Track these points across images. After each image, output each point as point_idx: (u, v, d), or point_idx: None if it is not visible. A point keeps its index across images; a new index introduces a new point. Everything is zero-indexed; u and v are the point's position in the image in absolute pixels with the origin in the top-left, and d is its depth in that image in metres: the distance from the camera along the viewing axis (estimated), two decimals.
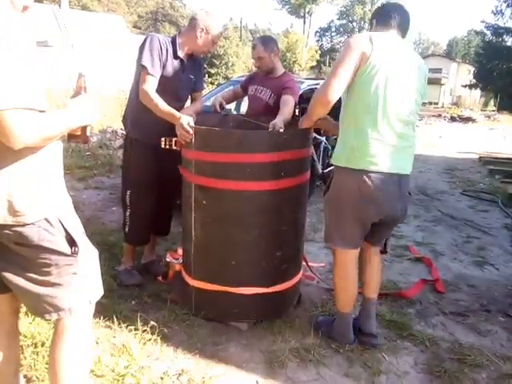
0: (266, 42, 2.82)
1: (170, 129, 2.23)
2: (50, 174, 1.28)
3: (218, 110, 2.80)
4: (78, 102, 1.33)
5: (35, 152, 1.21)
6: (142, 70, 2.30)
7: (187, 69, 2.52)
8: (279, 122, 2.29)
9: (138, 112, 2.44)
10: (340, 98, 1.96)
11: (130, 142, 2.57)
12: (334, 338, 2.20)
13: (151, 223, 2.70)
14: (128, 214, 2.62)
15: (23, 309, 1.80)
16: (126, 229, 2.65)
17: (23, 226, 1.21)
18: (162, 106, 2.27)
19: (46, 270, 1.30)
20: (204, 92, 3.41)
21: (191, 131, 2.09)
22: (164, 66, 2.37)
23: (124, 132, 2.68)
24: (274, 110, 2.78)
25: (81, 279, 1.37)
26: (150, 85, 2.30)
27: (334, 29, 56.60)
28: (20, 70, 1.10)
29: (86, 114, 1.32)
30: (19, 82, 1.10)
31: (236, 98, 3.23)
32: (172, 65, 2.42)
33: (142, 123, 2.45)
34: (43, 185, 1.25)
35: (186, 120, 2.12)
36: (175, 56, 2.43)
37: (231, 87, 4.90)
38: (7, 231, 1.21)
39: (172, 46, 2.42)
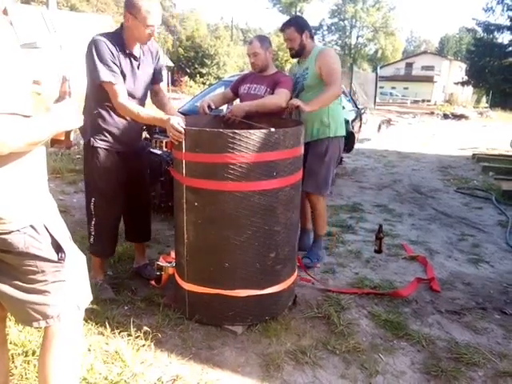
0: (262, 39, 2.90)
1: (134, 134, 2.36)
2: (33, 179, 1.25)
3: (207, 111, 2.77)
4: (62, 106, 1.30)
5: (17, 158, 1.18)
6: (105, 86, 2.17)
7: (142, 64, 2.36)
8: (238, 106, 2.62)
9: (99, 121, 2.32)
10: None
11: (93, 151, 2.37)
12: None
13: (117, 234, 2.59)
14: (93, 223, 2.47)
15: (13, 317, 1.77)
16: (91, 239, 2.50)
17: (9, 233, 1.19)
18: (145, 113, 2.19)
19: (32, 277, 1.27)
20: (195, 92, 3.41)
21: (183, 130, 2.06)
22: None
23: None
24: None
25: (68, 285, 1.35)
26: (123, 96, 2.18)
27: (325, 27, 56.70)
28: (2, 75, 1.08)
29: (70, 119, 1.30)
30: (2, 87, 1.07)
31: (225, 101, 3.15)
32: (125, 64, 2.26)
33: (106, 132, 2.34)
34: (27, 190, 1.22)
35: (175, 120, 2.08)
36: (125, 53, 2.26)
37: (222, 87, 4.88)
38: None
39: (120, 42, 2.24)
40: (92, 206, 2.45)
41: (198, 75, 26.33)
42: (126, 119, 2.34)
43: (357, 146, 7.91)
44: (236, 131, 2.00)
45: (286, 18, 51.51)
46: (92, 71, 2.16)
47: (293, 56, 3.04)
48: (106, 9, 36.79)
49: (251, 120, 2.59)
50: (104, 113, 2.27)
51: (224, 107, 4.95)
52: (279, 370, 1.97)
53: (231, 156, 2.00)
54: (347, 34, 55.62)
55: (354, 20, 53.78)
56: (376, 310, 2.52)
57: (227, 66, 27.24)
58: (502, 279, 3.05)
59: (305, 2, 47.20)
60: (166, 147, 3.70)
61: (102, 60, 2.13)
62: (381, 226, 3.46)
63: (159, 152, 3.73)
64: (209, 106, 2.78)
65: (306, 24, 2.97)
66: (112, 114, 2.31)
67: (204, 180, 2.07)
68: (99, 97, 2.25)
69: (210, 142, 2.02)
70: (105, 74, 2.13)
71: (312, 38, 2.98)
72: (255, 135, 2.01)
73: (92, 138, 2.35)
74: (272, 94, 2.80)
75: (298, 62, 3.08)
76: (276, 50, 34.01)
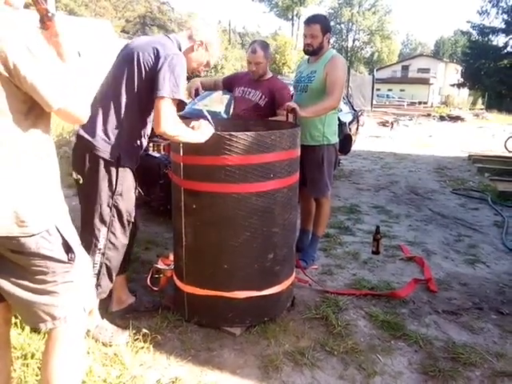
0: (265, 47, 2.88)
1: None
2: (49, 181, 1.28)
3: (193, 95, 2.81)
4: (61, 35, 1.28)
5: (39, 161, 1.22)
6: (169, 102, 1.89)
7: None
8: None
9: (132, 138, 2.06)
10: None
11: (118, 170, 2.00)
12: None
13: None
14: (102, 261, 2.07)
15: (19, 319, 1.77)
16: (96, 280, 2.05)
17: (30, 236, 1.20)
18: (185, 134, 1.98)
19: (42, 277, 1.28)
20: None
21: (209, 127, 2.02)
22: None
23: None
24: (263, 110, 2.89)
25: (76, 287, 1.36)
26: (175, 119, 1.95)
27: None
28: (58, 66, 1.19)
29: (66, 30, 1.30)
30: (63, 77, 1.20)
31: (214, 87, 3.28)
32: None
33: (135, 150, 2.10)
34: (45, 193, 1.25)
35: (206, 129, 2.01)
36: None
37: (220, 91, 4.89)
38: (6, 240, 1.20)
39: None
40: (106, 239, 2.05)
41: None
42: (145, 137, 2.15)
43: (362, 145, 8.01)
44: (233, 133, 2.02)
45: (283, 21, 51.86)
46: (169, 85, 1.88)
47: (307, 53, 2.99)
48: (104, 13, 36.79)
49: (248, 123, 2.61)
50: (144, 130, 2.09)
51: (221, 110, 4.98)
52: (278, 371, 1.98)
53: (228, 158, 2.01)
54: (344, 37, 55.91)
55: (350, 23, 54.08)
56: (374, 310, 2.53)
57: (225, 70, 27.30)
58: (499, 279, 3.07)
59: (302, 5, 47.37)
60: (163, 150, 3.72)
61: (184, 79, 1.96)
62: (378, 228, 3.48)
63: (157, 155, 3.75)
64: (196, 91, 2.83)
65: (330, 27, 3.02)
66: (146, 131, 2.12)
67: (202, 182, 2.09)
68: (145, 114, 2.06)
69: (207, 145, 2.03)
70: (183, 93, 1.96)
71: (329, 41, 2.97)
72: (252, 137, 2.02)
73: (122, 158, 1.99)
74: (268, 100, 2.90)
75: (308, 61, 3.08)
76: (273, 53, 34.20)
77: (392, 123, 15.59)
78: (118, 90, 1.99)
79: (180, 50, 2.06)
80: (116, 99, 1.99)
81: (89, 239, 1.99)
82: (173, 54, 1.93)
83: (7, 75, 1.11)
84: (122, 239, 2.10)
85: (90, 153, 1.97)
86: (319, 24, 2.85)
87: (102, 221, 2.02)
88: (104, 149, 1.96)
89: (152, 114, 2.01)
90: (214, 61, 2.24)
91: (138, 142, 2.11)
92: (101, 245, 2.04)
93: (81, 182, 2.03)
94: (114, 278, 2.15)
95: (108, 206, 2.01)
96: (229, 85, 3.14)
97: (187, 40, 2.12)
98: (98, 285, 2.06)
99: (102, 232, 2.03)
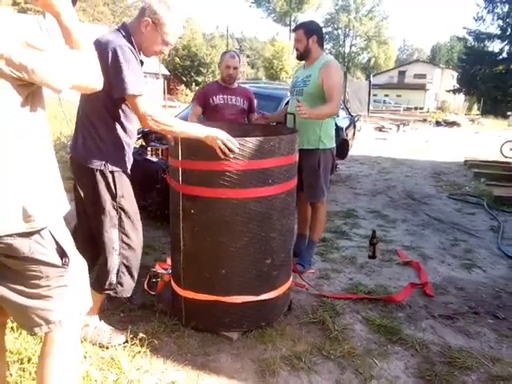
0: (239, 55, 3.33)
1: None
2: (52, 175, 1.30)
3: None
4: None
5: (42, 156, 1.25)
6: (135, 99, 1.86)
7: None
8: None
9: (118, 141, 2.01)
10: None
11: (108, 176, 1.99)
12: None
13: None
14: (120, 261, 2.08)
15: (8, 324, 1.77)
16: (114, 279, 2.08)
17: (36, 232, 1.22)
18: (180, 125, 1.97)
19: (36, 282, 1.28)
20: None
21: (236, 145, 2.00)
22: None
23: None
24: (246, 114, 3.43)
25: (71, 291, 1.36)
26: (153, 106, 1.91)
27: None
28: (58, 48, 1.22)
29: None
30: (67, 57, 1.24)
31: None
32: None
33: (123, 153, 2.05)
34: (48, 187, 1.27)
35: (224, 136, 1.98)
36: (139, 62, 1.99)
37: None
38: (1, 245, 1.20)
39: (134, 50, 1.95)
40: (119, 240, 2.06)
41: (193, 83, 26.54)
42: (130, 136, 2.08)
43: (359, 149, 7.98)
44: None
45: (280, 27, 52.14)
46: (118, 82, 1.83)
47: (297, 58, 3.16)
48: (102, 18, 36.88)
49: (246, 128, 2.63)
50: (121, 133, 2.01)
51: None
52: (275, 375, 1.98)
53: (227, 163, 2.02)
54: (341, 42, 56.18)
55: (347, 29, 54.35)
56: (370, 315, 2.54)
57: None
58: (495, 284, 3.08)
59: (299, 11, 47.67)
60: (161, 155, 3.74)
61: (133, 70, 1.85)
62: (374, 232, 3.49)
63: (155, 160, 3.76)
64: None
65: (317, 30, 3.06)
66: (126, 131, 2.05)
67: (200, 187, 2.09)
68: (114, 114, 1.98)
69: (206, 150, 2.04)
70: (139, 86, 1.85)
71: (321, 45, 3.04)
72: (251, 143, 2.04)
73: (111, 163, 1.98)
74: (247, 104, 3.37)
75: (304, 66, 3.17)
76: (271, 59, 34.34)
77: (398, 126, 17.75)
78: (82, 101, 2.03)
79: (130, 36, 1.96)
80: (89, 112, 1.99)
81: (105, 243, 2.05)
82: (110, 50, 1.83)
83: (10, 73, 1.12)
84: (134, 238, 2.11)
85: (83, 167, 1.99)
86: (302, 29, 3.02)
87: (112, 224, 2.04)
88: (93, 160, 1.97)
89: (125, 113, 2.01)
90: (173, 39, 2.01)
91: (123, 144, 2.05)
92: (116, 246, 2.06)
93: (82, 194, 2.07)
94: (135, 276, 2.17)
95: (114, 208, 2.03)
96: (204, 98, 3.36)
97: (137, 22, 1.97)
98: (118, 283, 2.09)
99: (114, 234, 2.05)
